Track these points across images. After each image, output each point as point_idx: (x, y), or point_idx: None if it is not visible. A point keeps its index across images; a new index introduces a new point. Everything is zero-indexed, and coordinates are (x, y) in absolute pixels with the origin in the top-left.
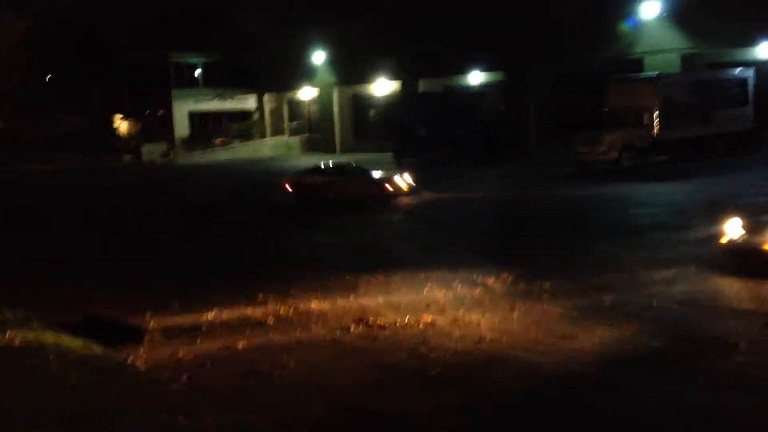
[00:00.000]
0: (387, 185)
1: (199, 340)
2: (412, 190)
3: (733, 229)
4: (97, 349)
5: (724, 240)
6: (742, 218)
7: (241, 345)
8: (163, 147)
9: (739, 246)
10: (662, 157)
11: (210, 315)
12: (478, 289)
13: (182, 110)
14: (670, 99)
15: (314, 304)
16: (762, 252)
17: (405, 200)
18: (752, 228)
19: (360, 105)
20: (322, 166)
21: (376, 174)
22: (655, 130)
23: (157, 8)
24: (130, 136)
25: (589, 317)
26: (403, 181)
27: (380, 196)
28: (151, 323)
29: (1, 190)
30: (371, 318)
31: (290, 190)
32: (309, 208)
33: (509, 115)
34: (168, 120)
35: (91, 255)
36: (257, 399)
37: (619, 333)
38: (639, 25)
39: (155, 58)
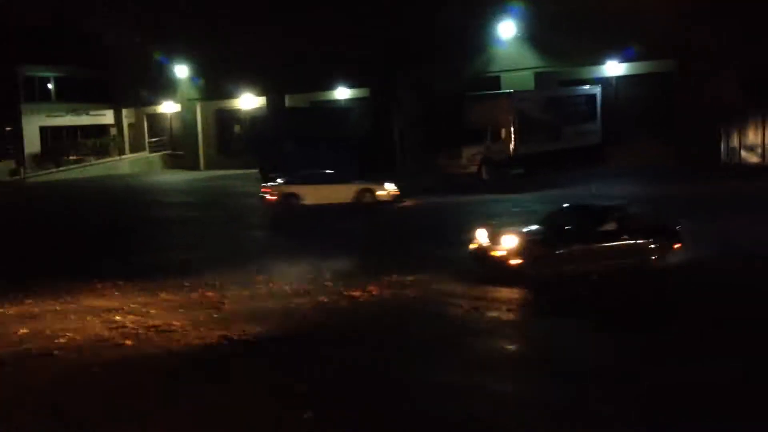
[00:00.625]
0: (374, 193)
1: None
2: (396, 197)
3: (480, 236)
4: None
5: (471, 246)
6: (488, 227)
7: None
8: (11, 164)
9: (477, 251)
10: (518, 171)
11: None
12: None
13: (33, 125)
14: (524, 115)
15: None
16: (491, 256)
17: (392, 206)
18: (494, 236)
19: (224, 121)
20: (309, 175)
21: (363, 183)
22: (510, 145)
23: (6, 19)
24: None
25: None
26: (388, 189)
27: (367, 202)
28: None
29: None
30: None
31: (273, 198)
32: (294, 214)
33: (376, 131)
34: (17, 136)
35: None
36: None
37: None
38: (497, 45)
39: (3, 70)
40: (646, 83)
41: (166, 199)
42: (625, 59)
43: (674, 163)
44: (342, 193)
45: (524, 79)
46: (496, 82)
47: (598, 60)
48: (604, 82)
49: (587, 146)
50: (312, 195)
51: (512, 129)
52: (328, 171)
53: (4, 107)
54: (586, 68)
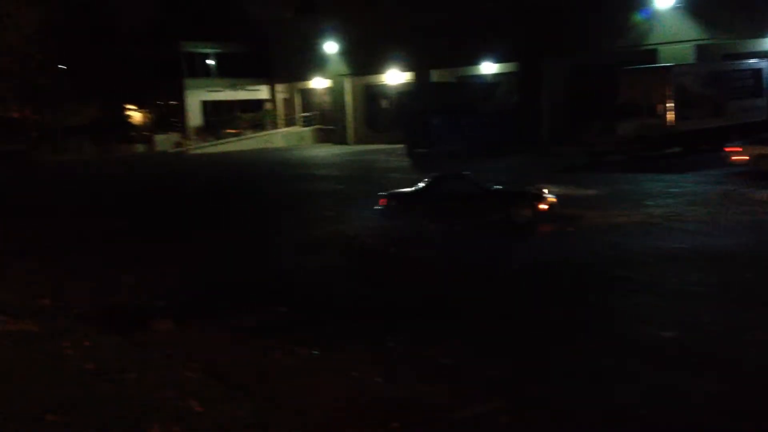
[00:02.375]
0: None
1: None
2: None
3: None
4: (113, 337)
5: None
6: None
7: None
8: (175, 137)
9: None
10: (675, 149)
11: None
12: None
13: (195, 100)
14: (683, 90)
15: None
16: None
17: None
18: None
19: (372, 95)
20: None
21: None
22: (668, 121)
23: None
24: (143, 126)
25: None
26: None
27: None
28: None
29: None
30: None
31: (743, 158)
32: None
33: (522, 106)
34: (180, 110)
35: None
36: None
37: None
38: (653, 16)
39: (168, 47)
40: None
41: (318, 172)
42: None
43: None
44: None
45: (683, 53)
46: (652, 55)
47: (766, 32)
48: None
49: (752, 123)
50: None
51: (670, 104)
52: None
53: (169, 82)
54: (753, 41)
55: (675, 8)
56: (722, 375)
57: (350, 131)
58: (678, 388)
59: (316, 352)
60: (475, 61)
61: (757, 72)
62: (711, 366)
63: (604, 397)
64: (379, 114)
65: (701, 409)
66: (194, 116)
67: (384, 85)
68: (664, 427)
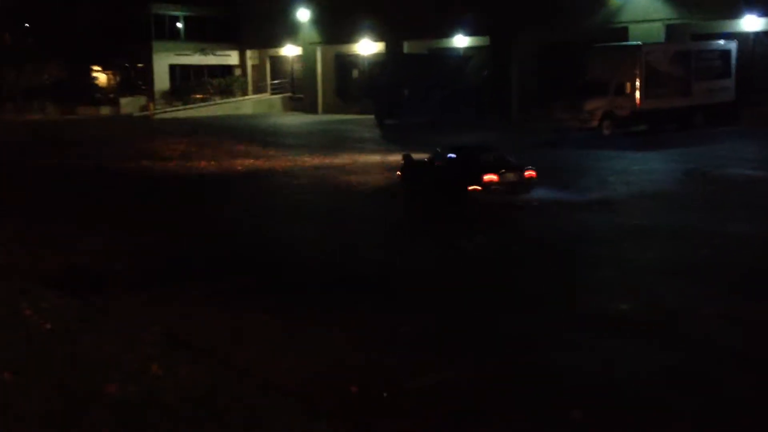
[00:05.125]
0: None
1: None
2: None
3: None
4: (72, 300)
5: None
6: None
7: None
8: (141, 100)
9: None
10: (642, 127)
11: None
12: None
13: (163, 63)
14: (651, 69)
15: None
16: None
17: None
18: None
19: (343, 65)
20: None
21: None
22: (636, 100)
23: None
24: (109, 88)
25: None
26: None
27: None
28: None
29: None
30: None
31: None
32: None
33: (493, 80)
34: (148, 73)
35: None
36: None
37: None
38: None
39: (136, 9)
40: None
41: (286, 141)
42: (766, 13)
43: None
44: None
45: (654, 32)
46: (623, 33)
47: (736, 13)
48: (741, 37)
49: (719, 104)
50: None
51: (638, 83)
52: None
53: (137, 45)
54: (722, 22)
55: None
56: (673, 345)
57: (320, 100)
58: (632, 357)
59: None
60: (448, 34)
61: (725, 53)
62: (664, 336)
63: (563, 365)
64: (349, 84)
65: (653, 376)
66: (161, 80)
67: (356, 55)
68: (621, 395)
